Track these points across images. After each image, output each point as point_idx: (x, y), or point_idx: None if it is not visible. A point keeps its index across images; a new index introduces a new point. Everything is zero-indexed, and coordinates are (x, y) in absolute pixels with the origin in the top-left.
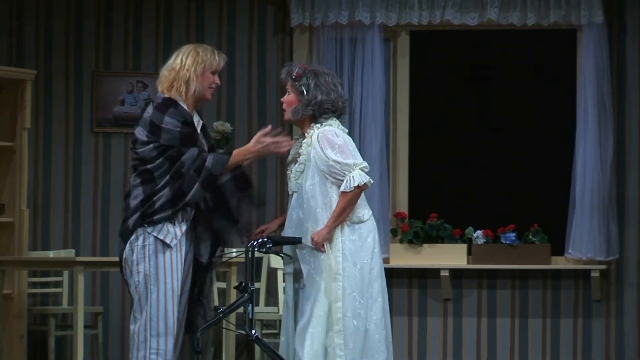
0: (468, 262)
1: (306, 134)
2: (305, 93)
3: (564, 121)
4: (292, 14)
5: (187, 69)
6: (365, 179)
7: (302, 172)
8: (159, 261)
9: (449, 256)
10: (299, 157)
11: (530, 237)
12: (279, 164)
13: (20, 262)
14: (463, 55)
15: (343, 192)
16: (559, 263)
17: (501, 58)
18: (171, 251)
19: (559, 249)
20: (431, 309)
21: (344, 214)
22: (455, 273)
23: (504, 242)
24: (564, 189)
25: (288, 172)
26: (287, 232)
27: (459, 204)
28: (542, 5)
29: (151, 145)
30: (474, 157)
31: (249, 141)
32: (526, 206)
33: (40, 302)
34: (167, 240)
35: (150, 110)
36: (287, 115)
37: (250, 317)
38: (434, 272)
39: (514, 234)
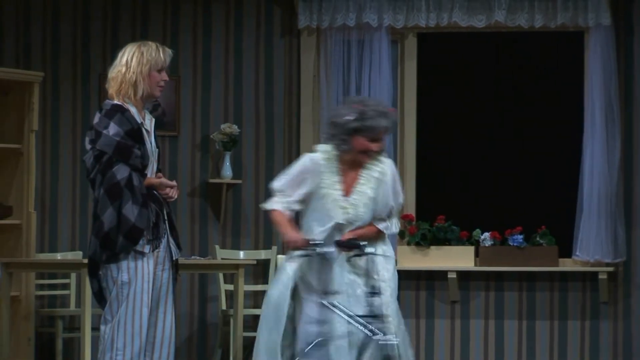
0: (475, 264)
1: (367, 165)
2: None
3: (571, 123)
4: (300, 16)
5: (133, 71)
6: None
7: (367, 207)
8: (131, 266)
9: (456, 258)
10: (352, 186)
11: (537, 239)
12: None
13: (28, 264)
14: (470, 57)
15: (384, 230)
16: (566, 265)
17: (508, 60)
18: (143, 257)
19: (566, 251)
20: (439, 311)
21: (368, 238)
22: (463, 275)
23: (512, 244)
24: (572, 191)
25: (339, 203)
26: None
27: (466, 206)
28: (549, 7)
29: (90, 152)
30: (482, 159)
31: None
32: (534, 208)
33: (47, 304)
34: (139, 249)
35: (97, 117)
36: (375, 157)
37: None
38: (441, 274)
39: (521, 236)
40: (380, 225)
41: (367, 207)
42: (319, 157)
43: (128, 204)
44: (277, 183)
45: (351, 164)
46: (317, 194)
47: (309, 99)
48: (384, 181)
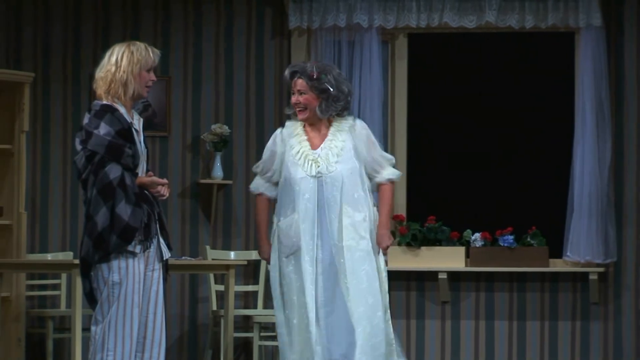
0: (466, 265)
1: (333, 124)
2: (331, 89)
3: (562, 124)
4: (290, 17)
5: (123, 70)
6: (398, 174)
7: (340, 157)
8: (122, 267)
9: (447, 259)
10: (321, 143)
11: (528, 239)
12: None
13: (19, 264)
14: (461, 58)
15: (390, 181)
16: (557, 266)
17: (499, 61)
18: (135, 257)
19: (557, 252)
20: (429, 311)
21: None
22: (453, 276)
23: (502, 244)
24: (562, 191)
25: (309, 157)
26: (323, 214)
27: (457, 207)
28: (540, 8)
29: (81, 153)
30: (472, 159)
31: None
32: (524, 209)
33: (38, 304)
34: (130, 249)
35: (86, 117)
36: (308, 114)
37: None
38: (432, 275)
39: (512, 237)
40: (385, 179)
41: (339, 158)
42: (282, 129)
43: (121, 203)
44: (256, 165)
45: (319, 128)
46: (287, 159)
47: None
48: (355, 135)
